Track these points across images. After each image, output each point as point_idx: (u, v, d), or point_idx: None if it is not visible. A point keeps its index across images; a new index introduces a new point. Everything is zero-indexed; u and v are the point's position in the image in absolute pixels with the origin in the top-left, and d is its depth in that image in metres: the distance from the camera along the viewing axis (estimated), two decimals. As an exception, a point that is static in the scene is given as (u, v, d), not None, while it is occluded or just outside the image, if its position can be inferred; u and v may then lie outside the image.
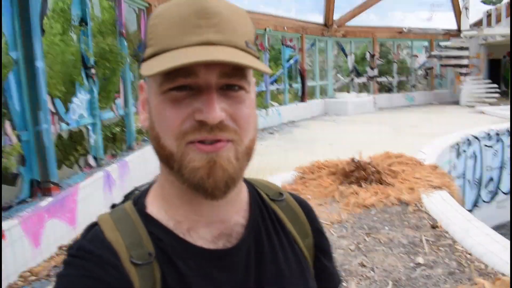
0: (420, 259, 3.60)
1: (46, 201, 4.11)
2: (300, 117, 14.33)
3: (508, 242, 3.57)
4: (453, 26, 19.54)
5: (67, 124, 4.87)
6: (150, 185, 0.70)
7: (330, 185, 4.87)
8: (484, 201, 7.99)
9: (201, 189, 0.59)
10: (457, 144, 6.91)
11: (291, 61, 14.96)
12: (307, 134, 11.67)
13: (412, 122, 13.12)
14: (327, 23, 16.12)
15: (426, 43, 19.64)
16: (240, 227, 0.67)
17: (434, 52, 18.72)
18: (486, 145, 7.83)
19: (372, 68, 18.02)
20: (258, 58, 0.61)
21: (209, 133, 0.57)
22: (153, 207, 0.66)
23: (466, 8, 17.57)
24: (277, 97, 14.58)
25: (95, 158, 5.41)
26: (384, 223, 4.43)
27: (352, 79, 17.90)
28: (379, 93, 18.19)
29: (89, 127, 5.37)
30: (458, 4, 18.66)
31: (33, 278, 3.61)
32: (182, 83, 0.56)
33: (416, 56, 19.61)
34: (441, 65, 19.15)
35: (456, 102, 17.88)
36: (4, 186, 4.02)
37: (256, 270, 0.66)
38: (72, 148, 5.93)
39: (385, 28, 18.24)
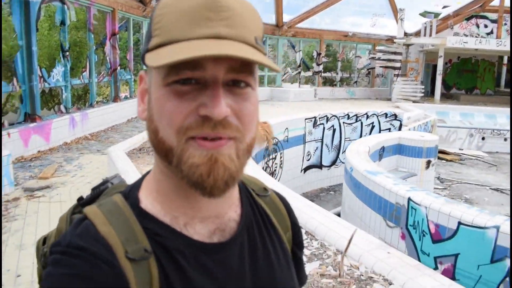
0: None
1: (32, 125, 7.44)
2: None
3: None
4: (395, 33, 22.83)
5: (49, 84, 8.20)
6: (142, 178, 0.68)
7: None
8: (342, 162, 11.39)
9: (200, 187, 0.57)
10: (315, 118, 10.32)
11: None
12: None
13: (323, 107, 16.41)
14: (278, 24, 19.33)
15: (369, 46, 22.92)
16: (233, 222, 0.67)
17: (372, 55, 22.04)
18: (344, 122, 11.26)
19: (318, 65, 21.33)
20: (265, 55, 0.60)
21: (212, 130, 0.55)
22: (148, 201, 0.64)
23: (401, 19, 20.80)
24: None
25: (65, 108, 8.74)
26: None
27: (299, 72, 21.21)
28: (322, 86, 21.51)
29: (62, 88, 8.70)
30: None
31: (23, 160, 6.97)
32: (189, 76, 0.55)
33: (360, 57, 22.93)
34: (380, 66, 22.49)
35: (390, 99, 21.27)
36: (10, 113, 7.39)
37: (250, 264, 0.67)
38: (50, 99, 9.31)
39: (331, 31, 21.47)
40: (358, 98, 21.66)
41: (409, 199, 4.97)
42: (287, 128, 9.29)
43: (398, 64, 21.45)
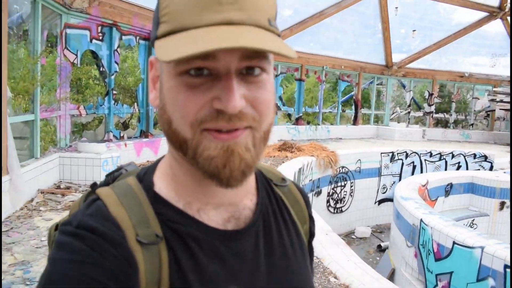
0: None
1: (145, 140, 9.50)
2: (348, 136, 18.33)
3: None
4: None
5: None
6: (157, 162, 0.69)
7: (272, 151, 9.41)
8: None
9: (216, 178, 0.57)
10: (392, 153, 10.80)
11: (347, 96, 19.09)
12: (336, 143, 15.79)
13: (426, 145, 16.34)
14: (388, 65, 19.84)
15: (489, 87, 21.87)
16: (248, 210, 0.67)
17: (493, 96, 21.01)
18: (426, 160, 11.40)
19: (429, 105, 21.10)
20: (279, 36, 0.58)
21: (227, 122, 0.55)
22: (162, 186, 0.64)
23: (522, 59, 19.68)
24: (330, 118, 18.84)
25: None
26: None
27: (409, 112, 21.19)
28: (433, 127, 21.13)
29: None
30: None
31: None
32: (200, 65, 0.54)
33: (478, 98, 21.99)
34: (500, 109, 21.29)
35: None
36: (130, 129, 9.61)
37: (264, 253, 0.66)
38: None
39: (445, 71, 21.10)
40: (474, 142, 20.69)
41: (421, 220, 5.55)
42: (359, 160, 10.03)
43: (517, 106, 20.14)
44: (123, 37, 8.80)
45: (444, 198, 8.91)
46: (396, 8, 15.13)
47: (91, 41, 8.02)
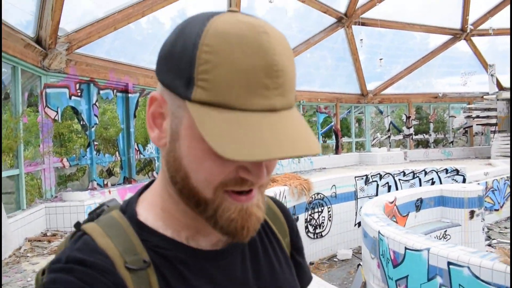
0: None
1: (128, 185, 10.00)
2: (332, 165, 18.86)
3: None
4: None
5: (143, 155, 10.90)
6: (138, 194, 0.70)
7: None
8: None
9: (232, 236, 0.60)
10: (366, 176, 11.35)
11: (327, 127, 19.80)
12: (319, 173, 16.29)
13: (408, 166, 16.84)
14: (363, 93, 20.69)
15: (464, 105, 22.72)
16: None
17: (468, 113, 21.82)
18: (400, 179, 11.96)
19: (408, 128, 21.84)
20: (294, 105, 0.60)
21: (249, 187, 0.59)
22: (149, 216, 0.65)
23: (492, 75, 20.60)
24: (312, 149, 19.44)
25: (157, 173, 11.33)
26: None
27: (389, 137, 21.89)
28: (414, 148, 21.78)
29: (155, 158, 11.35)
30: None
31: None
32: None
33: (454, 116, 22.81)
34: (477, 124, 22.06)
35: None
36: (113, 177, 10.13)
37: (252, 269, 0.69)
38: (146, 167, 12.04)
39: (419, 94, 22.01)
40: (456, 158, 21.32)
41: (379, 232, 6.02)
42: (334, 185, 10.55)
43: (493, 120, 20.92)
44: (101, 92, 9.47)
45: (415, 213, 9.37)
46: (361, 40, 16.06)
47: (70, 97, 8.67)
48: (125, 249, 0.60)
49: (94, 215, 0.70)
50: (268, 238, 0.75)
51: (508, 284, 4.30)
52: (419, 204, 9.52)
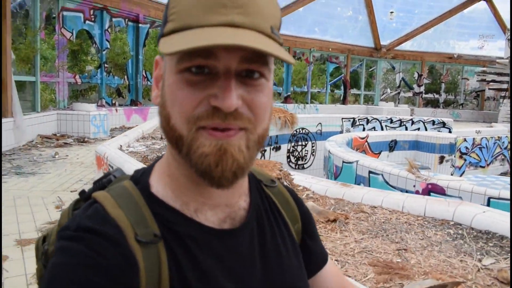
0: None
1: (134, 107, 11.18)
2: (337, 114, 19.66)
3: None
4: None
5: (151, 83, 12.01)
6: (154, 163, 0.70)
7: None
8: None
9: (208, 177, 0.58)
10: (353, 118, 12.22)
11: (337, 78, 20.36)
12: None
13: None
14: (376, 47, 20.99)
15: (478, 68, 22.75)
16: (243, 211, 0.69)
17: (482, 77, 21.91)
18: (387, 126, 12.77)
19: (419, 86, 22.17)
20: (281, 44, 0.60)
21: (223, 121, 0.56)
22: (159, 186, 0.65)
23: (508, 39, 20.50)
24: (319, 97, 20.19)
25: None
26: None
27: (399, 93, 22.32)
28: (423, 107, 22.18)
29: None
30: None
31: (125, 128, 10.70)
32: (201, 63, 0.55)
33: (467, 79, 22.90)
34: (489, 88, 22.19)
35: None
36: (121, 99, 11.37)
37: (259, 250, 0.68)
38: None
39: (434, 53, 22.09)
40: (463, 121, 21.64)
41: (329, 151, 7.04)
42: (320, 123, 11.48)
43: (504, 86, 21.00)
44: (113, 19, 10.50)
45: (388, 153, 10.27)
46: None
47: (84, 22, 9.74)
48: (136, 221, 0.59)
49: (99, 185, 0.70)
50: (276, 220, 0.75)
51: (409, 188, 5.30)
52: (393, 145, 10.39)
